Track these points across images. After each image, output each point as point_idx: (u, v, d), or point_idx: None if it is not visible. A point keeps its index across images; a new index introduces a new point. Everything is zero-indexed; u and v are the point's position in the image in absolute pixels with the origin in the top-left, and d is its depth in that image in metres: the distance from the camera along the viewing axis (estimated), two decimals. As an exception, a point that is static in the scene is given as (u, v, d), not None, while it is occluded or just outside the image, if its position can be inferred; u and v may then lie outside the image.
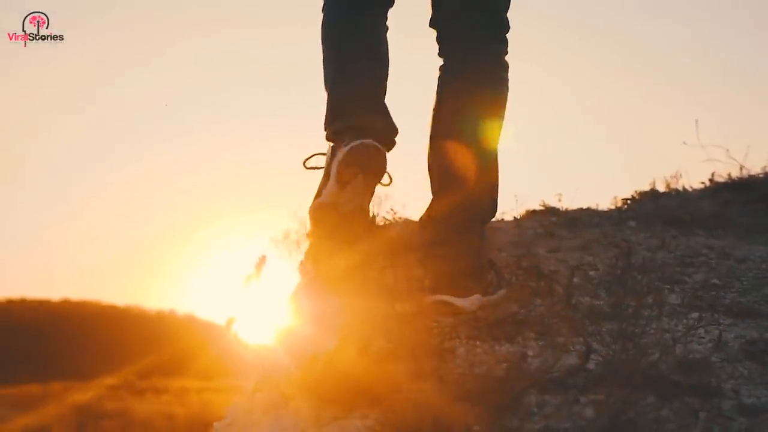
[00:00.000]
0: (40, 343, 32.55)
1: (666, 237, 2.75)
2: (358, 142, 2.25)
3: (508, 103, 2.35)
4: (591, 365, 1.77)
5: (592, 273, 2.47)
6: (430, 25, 2.39)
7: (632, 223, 2.89)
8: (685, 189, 3.33)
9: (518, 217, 3.00)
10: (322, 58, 2.46)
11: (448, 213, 2.29)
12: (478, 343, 1.99)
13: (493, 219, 2.97)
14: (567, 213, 3.02)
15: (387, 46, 2.45)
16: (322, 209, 2.32)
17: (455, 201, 2.29)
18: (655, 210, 3.01)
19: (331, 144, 2.38)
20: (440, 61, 2.39)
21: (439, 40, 2.38)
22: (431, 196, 2.38)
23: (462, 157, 2.29)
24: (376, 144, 2.26)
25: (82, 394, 20.42)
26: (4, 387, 21.22)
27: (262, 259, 1.76)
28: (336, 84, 2.40)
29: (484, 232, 2.37)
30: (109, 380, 23.43)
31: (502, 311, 2.17)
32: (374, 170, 2.29)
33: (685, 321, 2.13)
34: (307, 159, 2.46)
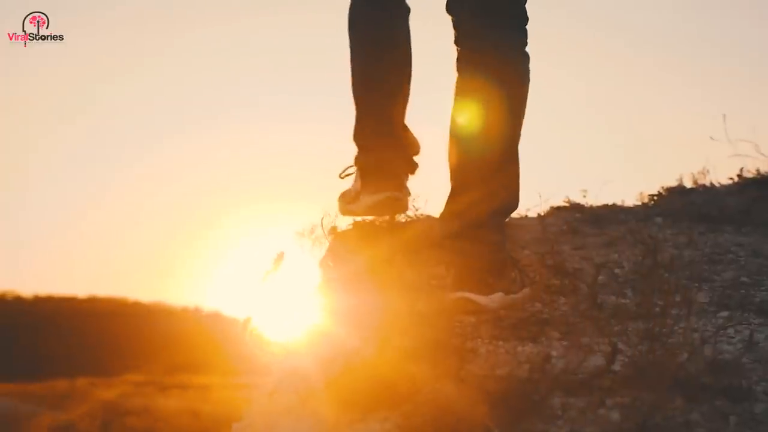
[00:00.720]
0: (67, 340, 32.75)
1: (693, 234, 2.69)
2: (382, 196, 2.52)
3: (528, 95, 2.28)
4: (617, 366, 1.72)
5: (617, 271, 2.41)
6: (447, 11, 2.31)
7: (659, 220, 2.83)
8: (712, 185, 3.26)
9: (542, 214, 2.95)
10: (349, 49, 2.60)
11: (468, 206, 2.24)
12: (500, 343, 1.94)
13: (517, 215, 2.93)
14: (592, 209, 2.96)
15: (409, 39, 2.57)
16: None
17: (475, 195, 2.23)
18: (682, 206, 2.95)
19: (358, 169, 2.62)
20: (455, 48, 2.32)
21: (456, 26, 2.30)
22: (450, 190, 2.32)
23: (482, 151, 2.24)
24: (398, 196, 2.53)
25: (108, 391, 20.51)
26: (31, 383, 21.37)
27: (281, 255, 1.73)
28: (360, 105, 2.59)
29: (505, 227, 2.30)
30: (135, 377, 23.54)
31: (526, 310, 2.13)
32: (397, 213, 2.63)
33: (714, 320, 2.07)
34: (342, 172, 2.71)
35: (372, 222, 2.67)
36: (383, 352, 1.72)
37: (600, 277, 2.36)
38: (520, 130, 2.27)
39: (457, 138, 2.27)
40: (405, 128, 2.64)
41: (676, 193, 3.17)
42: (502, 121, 2.24)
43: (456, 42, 2.29)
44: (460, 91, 2.28)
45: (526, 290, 2.21)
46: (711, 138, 3.08)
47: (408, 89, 2.61)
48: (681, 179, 3.29)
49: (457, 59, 2.29)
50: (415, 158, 2.67)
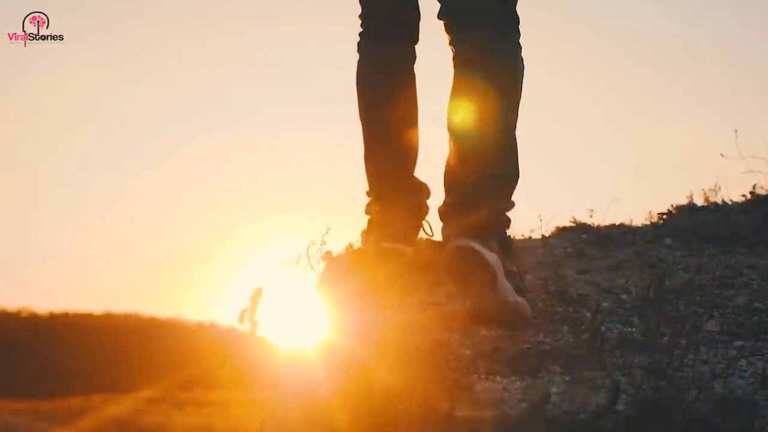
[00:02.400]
0: (82, 356, 32.76)
1: (704, 256, 2.58)
2: (385, 247, 2.49)
3: (524, 83, 2.35)
4: (620, 406, 1.61)
5: (624, 297, 2.30)
6: (439, 17, 2.37)
7: (668, 241, 2.72)
8: (724, 202, 3.15)
9: (546, 236, 2.84)
10: (357, 100, 2.67)
11: (467, 176, 2.29)
12: (498, 378, 1.83)
13: (520, 237, 2.83)
14: (598, 230, 2.85)
15: (414, 88, 2.65)
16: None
17: (473, 168, 2.29)
18: (693, 226, 2.83)
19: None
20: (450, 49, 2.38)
21: (448, 29, 2.36)
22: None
23: (478, 146, 2.30)
24: (401, 249, 2.50)
25: (122, 408, 20.45)
26: (44, 400, 21.35)
27: (258, 292, 1.63)
28: (370, 156, 2.65)
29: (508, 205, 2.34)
30: (150, 393, 23.48)
31: (527, 341, 2.02)
32: (400, 266, 2.49)
33: (725, 351, 1.96)
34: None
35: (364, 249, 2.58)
36: (371, 392, 1.62)
37: (605, 304, 2.26)
38: (516, 119, 2.34)
39: (456, 136, 2.32)
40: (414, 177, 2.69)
41: (687, 211, 3.06)
42: (500, 115, 2.30)
43: (450, 43, 2.36)
44: (457, 89, 2.34)
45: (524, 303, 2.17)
46: (722, 155, 2.97)
47: (416, 136, 2.68)
48: (691, 196, 3.18)
49: (453, 59, 2.35)
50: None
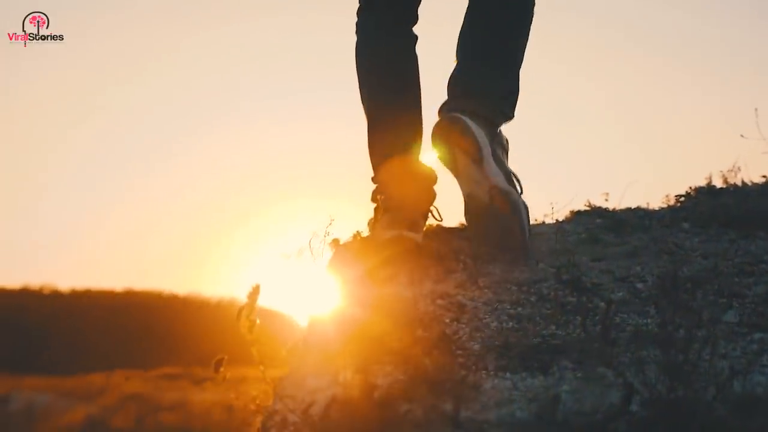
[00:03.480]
0: (104, 333, 32.95)
1: (723, 241, 2.50)
2: (393, 234, 2.42)
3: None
4: (634, 406, 1.54)
5: (639, 285, 2.23)
6: None
7: (686, 225, 2.64)
8: (744, 184, 3.06)
9: (561, 220, 2.76)
10: (358, 84, 2.63)
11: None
12: (507, 375, 1.77)
13: (533, 222, 2.75)
14: (614, 214, 2.77)
15: (416, 69, 2.63)
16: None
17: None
18: (711, 209, 2.75)
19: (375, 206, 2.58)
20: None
21: None
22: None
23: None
24: (410, 235, 2.42)
25: (143, 385, 20.57)
26: (67, 377, 21.48)
27: (256, 289, 1.57)
28: (374, 142, 2.61)
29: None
30: (171, 370, 23.60)
31: (538, 335, 1.95)
32: (408, 251, 2.40)
33: (744, 345, 1.89)
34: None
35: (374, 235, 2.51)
36: (371, 392, 1.56)
37: (620, 294, 2.19)
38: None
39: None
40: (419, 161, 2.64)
41: (705, 194, 2.96)
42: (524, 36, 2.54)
43: None
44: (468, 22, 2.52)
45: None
46: (742, 136, 2.88)
47: (421, 120, 2.63)
48: (710, 178, 3.08)
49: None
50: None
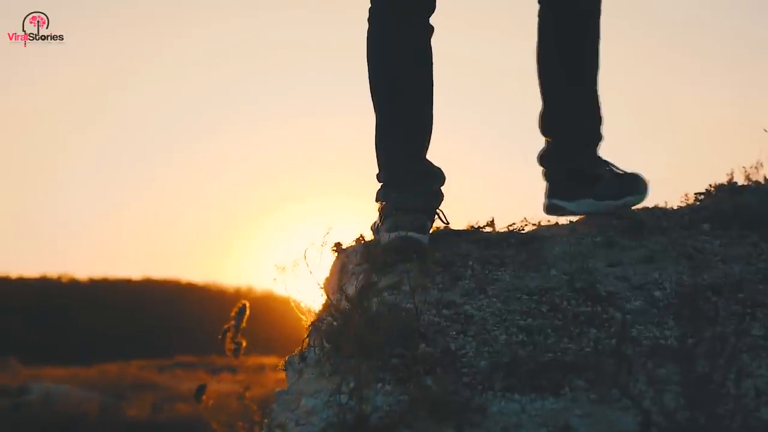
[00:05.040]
0: (121, 322, 33.03)
1: (745, 244, 2.38)
2: (398, 235, 2.29)
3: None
4: (651, 435, 1.43)
5: (657, 294, 2.11)
6: None
7: (706, 227, 2.51)
8: (767, 180, 2.92)
9: (574, 220, 2.64)
10: (368, 74, 2.51)
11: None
12: (515, 396, 1.66)
13: (546, 223, 2.64)
14: (631, 214, 2.64)
15: (431, 63, 2.49)
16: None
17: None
18: (733, 208, 2.62)
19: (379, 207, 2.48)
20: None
21: None
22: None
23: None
24: (416, 236, 2.30)
25: (159, 374, 20.59)
26: (84, 367, 21.53)
27: (243, 308, 1.46)
28: (382, 138, 2.51)
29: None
30: (188, 358, 23.61)
31: (549, 349, 1.84)
32: (414, 253, 2.31)
33: (770, 362, 1.77)
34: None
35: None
36: (363, 420, 1.45)
37: (637, 303, 2.07)
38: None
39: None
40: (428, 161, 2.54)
41: (726, 191, 2.83)
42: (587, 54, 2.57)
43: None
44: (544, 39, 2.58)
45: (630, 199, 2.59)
46: (765, 130, 2.75)
47: (431, 117, 2.51)
48: (732, 174, 2.95)
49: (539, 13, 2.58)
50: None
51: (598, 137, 2.63)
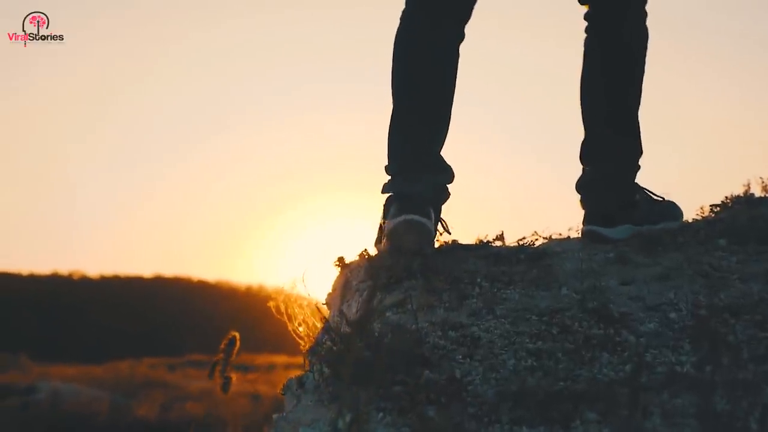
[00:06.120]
0: (133, 319, 33.08)
1: (763, 260, 2.29)
2: (401, 218, 2.28)
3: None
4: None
5: (672, 315, 2.02)
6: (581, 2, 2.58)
7: (722, 242, 2.43)
8: (785, 192, 2.84)
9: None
10: (391, 72, 2.47)
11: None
12: (524, 429, 1.58)
13: (557, 237, 2.57)
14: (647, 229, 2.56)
15: (455, 67, 2.47)
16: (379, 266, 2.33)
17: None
18: (749, 222, 2.53)
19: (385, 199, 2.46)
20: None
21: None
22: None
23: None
24: (419, 219, 2.28)
25: (169, 373, 20.58)
26: (94, 365, 21.55)
27: (232, 340, 1.40)
28: (396, 132, 2.48)
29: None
30: (199, 356, 23.61)
31: (560, 377, 1.76)
32: (417, 245, 2.28)
33: (791, 393, 1.68)
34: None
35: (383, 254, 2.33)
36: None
37: (651, 325, 1.99)
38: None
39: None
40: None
41: (743, 203, 2.75)
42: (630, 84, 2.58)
43: (587, 17, 2.58)
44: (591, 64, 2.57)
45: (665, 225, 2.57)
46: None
47: (448, 117, 2.50)
48: (749, 185, 2.87)
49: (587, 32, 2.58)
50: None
51: (637, 168, 2.62)
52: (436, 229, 2.42)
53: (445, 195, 2.49)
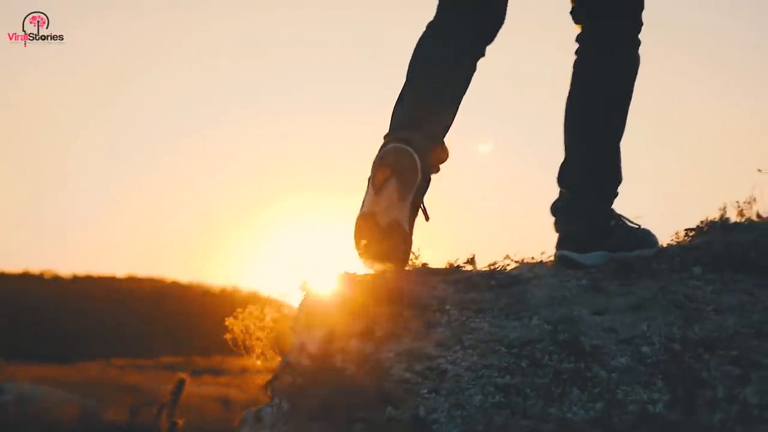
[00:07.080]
0: (104, 320, 32.82)
1: (738, 291, 2.24)
2: (391, 145, 2.29)
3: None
4: None
5: (645, 349, 1.97)
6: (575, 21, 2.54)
7: (697, 270, 2.37)
8: (760, 217, 2.79)
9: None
10: (406, 72, 2.47)
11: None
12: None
13: (530, 261, 2.52)
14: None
15: (467, 79, 2.48)
16: (363, 219, 2.30)
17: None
18: (725, 249, 2.49)
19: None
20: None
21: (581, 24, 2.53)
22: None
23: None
24: (408, 149, 2.28)
25: (139, 376, 20.39)
26: (63, 366, 21.35)
27: (180, 383, 1.33)
28: (404, 101, 2.44)
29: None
30: (171, 359, 23.45)
31: (527, 416, 1.69)
32: (405, 173, 2.28)
33: (766, 436, 1.62)
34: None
35: (387, 239, 2.26)
36: None
37: (623, 359, 1.93)
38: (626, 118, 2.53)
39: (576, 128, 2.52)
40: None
41: (718, 229, 2.70)
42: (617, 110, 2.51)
43: (579, 39, 2.54)
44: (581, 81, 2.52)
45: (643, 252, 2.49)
46: (759, 171, 2.62)
47: (451, 117, 2.50)
48: (725, 210, 2.82)
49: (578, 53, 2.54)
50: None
51: (615, 194, 2.55)
52: (415, 215, 2.37)
53: (434, 169, 2.45)
